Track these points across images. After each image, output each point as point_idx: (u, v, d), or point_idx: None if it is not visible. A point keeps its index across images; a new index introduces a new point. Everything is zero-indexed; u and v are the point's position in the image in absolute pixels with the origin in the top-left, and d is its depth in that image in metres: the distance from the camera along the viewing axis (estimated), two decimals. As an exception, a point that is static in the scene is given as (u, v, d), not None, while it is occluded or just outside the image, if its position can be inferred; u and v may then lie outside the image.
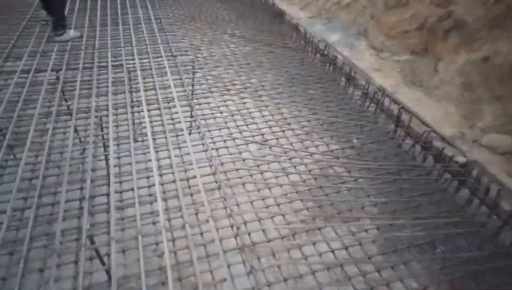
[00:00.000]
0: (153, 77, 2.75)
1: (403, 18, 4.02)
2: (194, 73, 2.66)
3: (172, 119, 2.50)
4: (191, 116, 2.51)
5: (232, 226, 1.80)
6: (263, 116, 2.83)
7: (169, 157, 2.04)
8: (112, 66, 2.63)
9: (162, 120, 2.31)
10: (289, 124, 2.78)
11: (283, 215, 2.00)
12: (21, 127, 2.27)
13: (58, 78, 2.51)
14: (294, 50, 4.02)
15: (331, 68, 3.64)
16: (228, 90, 3.06)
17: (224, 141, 2.50)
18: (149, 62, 2.95)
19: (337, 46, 4.36)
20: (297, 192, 2.16)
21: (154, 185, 1.82)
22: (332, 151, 2.53)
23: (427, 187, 2.22)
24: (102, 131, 2.08)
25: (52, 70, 2.67)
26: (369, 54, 4.16)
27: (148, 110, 2.36)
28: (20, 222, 1.74)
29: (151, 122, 2.35)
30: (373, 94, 2.99)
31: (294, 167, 2.35)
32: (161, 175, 2.07)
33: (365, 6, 4.58)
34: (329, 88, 3.29)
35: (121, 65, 2.71)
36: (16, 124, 2.24)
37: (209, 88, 3.08)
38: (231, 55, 3.77)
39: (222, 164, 2.28)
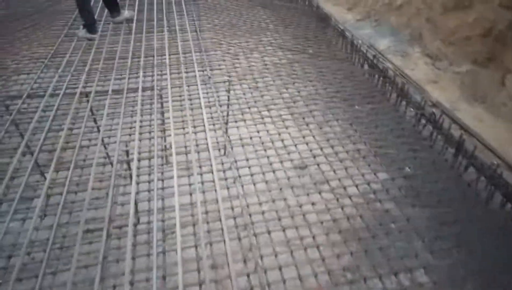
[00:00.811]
0: (183, 97, 2.60)
1: (464, 22, 3.60)
2: (229, 91, 2.49)
3: (202, 142, 2.35)
4: (225, 143, 2.35)
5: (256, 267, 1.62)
6: (303, 137, 2.62)
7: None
8: (143, 88, 2.51)
9: (193, 143, 2.17)
10: (332, 146, 2.54)
11: (322, 260, 1.78)
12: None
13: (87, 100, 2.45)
14: (339, 60, 3.74)
15: (380, 80, 3.33)
16: (266, 106, 2.87)
17: (260, 166, 2.32)
18: (181, 77, 2.82)
19: (388, 53, 4.02)
20: (339, 232, 1.93)
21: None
22: (380, 181, 2.26)
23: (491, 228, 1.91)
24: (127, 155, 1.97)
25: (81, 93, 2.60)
26: (424, 63, 3.79)
27: (177, 133, 2.23)
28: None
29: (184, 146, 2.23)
30: (429, 113, 2.67)
31: (337, 199, 2.12)
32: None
33: (420, 8, 4.19)
34: (378, 104, 3.00)
35: (152, 87, 2.58)
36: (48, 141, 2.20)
37: (246, 103, 2.91)
38: (271, 65, 3.58)
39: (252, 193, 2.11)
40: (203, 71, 2.94)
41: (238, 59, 3.58)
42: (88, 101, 2.24)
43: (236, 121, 2.66)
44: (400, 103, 2.99)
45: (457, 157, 2.37)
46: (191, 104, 2.56)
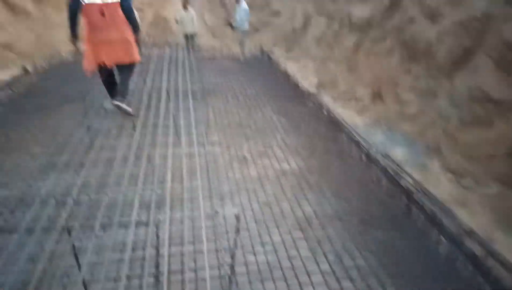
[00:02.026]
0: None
1: (485, 139, 3.45)
2: (239, 230, 2.17)
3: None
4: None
5: None
6: (321, 271, 2.23)
7: None
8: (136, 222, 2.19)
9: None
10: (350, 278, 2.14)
11: None
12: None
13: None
14: (352, 171, 3.50)
15: (403, 199, 3.03)
16: (277, 226, 2.54)
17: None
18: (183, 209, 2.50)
19: (405, 165, 3.80)
20: None
21: None
22: None
23: None
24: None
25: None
26: (447, 180, 3.55)
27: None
28: None
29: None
30: (469, 251, 2.32)
31: None
32: None
33: (435, 119, 4.10)
34: (402, 231, 2.66)
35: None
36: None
37: (255, 223, 2.58)
38: (281, 174, 3.32)
39: None
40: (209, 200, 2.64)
41: (247, 167, 3.34)
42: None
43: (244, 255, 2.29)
44: (430, 230, 2.65)
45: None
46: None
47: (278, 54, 9.99)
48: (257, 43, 9.95)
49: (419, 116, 4.36)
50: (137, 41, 4.01)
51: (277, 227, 2.60)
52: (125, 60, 3.87)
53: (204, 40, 10.73)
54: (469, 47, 3.63)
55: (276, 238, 2.48)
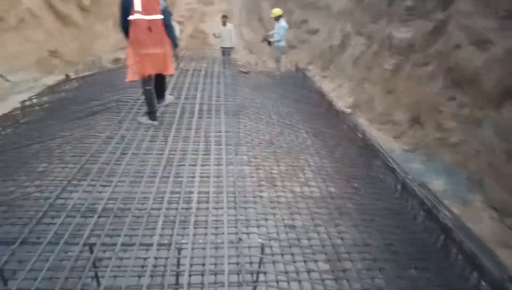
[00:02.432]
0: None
1: (537, 176, 3.19)
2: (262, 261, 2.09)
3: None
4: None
5: None
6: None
7: None
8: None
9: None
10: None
11: None
12: None
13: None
14: (386, 200, 3.32)
15: (440, 234, 2.83)
16: (305, 261, 2.42)
17: None
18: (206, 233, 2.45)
19: (444, 198, 3.58)
20: None
21: None
22: None
23: None
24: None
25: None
26: (489, 217, 3.31)
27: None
28: None
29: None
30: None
31: None
32: None
33: (479, 150, 3.86)
34: (439, 271, 2.46)
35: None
36: None
37: (281, 256, 2.48)
38: (310, 200, 3.20)
39: None
40: (235, 227, 2.56)
41: (275, 190, 3.25)
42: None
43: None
44: (470, 273, 2.44)
45: None
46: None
47: (313, 72, 9.94)
48: (292, 60, 9.95)
49: (461, 145, 4.12)
50: (175, 55, 4.29)
51: (304, 260, 2.47)
52: (164, 72, 4.18)
53: (241, 55, 10.86)
54: (521, 77, 3.41)
55: (302, 270, 2.36)
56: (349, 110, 6.71)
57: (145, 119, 4.18)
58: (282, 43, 7.75)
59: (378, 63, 6.86)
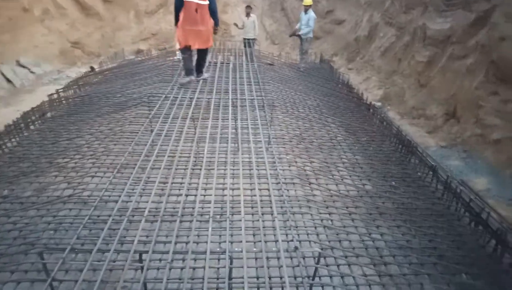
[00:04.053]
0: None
1: None
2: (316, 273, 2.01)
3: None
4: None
5: None
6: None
7: None
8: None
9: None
10: None
11: None
12: None
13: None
14: (425, 199, 3.18)
15: (486, 236, 2.69)
16: (349, 265, 2.33)
17: None
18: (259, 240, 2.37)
19: (488, 197, 3.44)
20: None
21: None
22: None
23: None
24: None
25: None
26: (540, 220, 3.13)
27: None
28: None
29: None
30: None
31: None
32: None
33: (527, 148, 3.67)
34: (489, 279, 2.34)
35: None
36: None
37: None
38: (348, 199, 3.10)
39: None
40: (286, 235, 2.45)
41: (311, 188, 3.16)
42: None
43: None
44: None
45: None
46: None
47: (338, 64, 9.71)
48: (317, 52, 9.75)
49: (505, 143, 3.93)
50: (215, 31, 5.43)
51: (348, 263, 2.39)
52: (205, 45, 5.20)
53: (263, 46, 10.72)
54: None
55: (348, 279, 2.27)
56: (379, 104, 6.53)
57: (183, 79, 5.18)
58: (311, 35, 7.58)
59: (409, 55, 6.63)
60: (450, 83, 5.21)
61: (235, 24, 9.37)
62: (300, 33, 7.50)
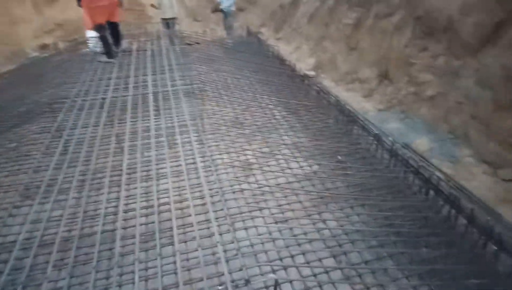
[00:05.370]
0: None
1: (527, 123, 3.09)
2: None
3: None
4: None
5: None
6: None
7: None
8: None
9: None
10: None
11: None
12: None
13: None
14: (375, 169, 3.09)
15: (434, 198, 2.64)
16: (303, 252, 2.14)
17: None
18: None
19: (431, 157, 3.45)
20: None
21: None
22: None
23: None
24: None
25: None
26: (483, 172, 3.20)
27: None
28: None
29: None
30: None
31: None
32: None
33: (461, 102, 3.72)
34: (450, 244, 2.29)
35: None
36: None
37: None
38: (296, 183, 2.92)
39: None
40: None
41: (254, 176, 2.92)
42: None
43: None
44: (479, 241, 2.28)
45: None
46: None
47: (267, 36, 9.44)
48: (243, 25, 9.37)
49: (439, 99, 3.97)
50: (120, 4, 5.58)
51: (300, 248, 2.21)
52: (113, 18, 5.39)
53: (185, 25, 10.10)
54: (502, 20, 3.21)
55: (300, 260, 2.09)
56: (312, 73, 6.41)
57: (104, 58, 5.36)
58: (233, 7, 7.19)
59: (336, 19, 6.53)
60: (379, 43, 5.19)
61: (152, 5, 8.65)
62: (222, 7, 7.08)
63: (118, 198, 2.56)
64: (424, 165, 2.91)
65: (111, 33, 5.48)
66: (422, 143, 3.71)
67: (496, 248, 2.14)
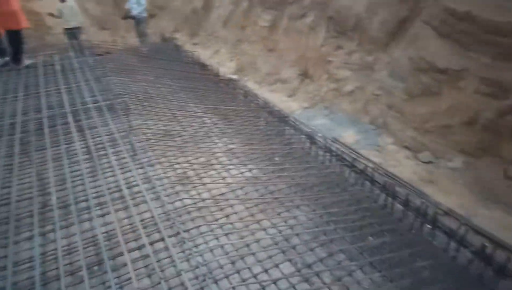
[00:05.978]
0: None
1: (437, 109, 3.44)
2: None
3: None
4: None
5: None
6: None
7: None
8: None
9: None
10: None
11: None
12: None
13: None
14: (312, 167, 3.20)
15: (383, 196, 2.80)
16: (255, 256, 2.11)
17: None
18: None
19: (360, 148, 3.66)
20: None
21: None
22: None
23: None
24: None
25: None
26: (405, 157, 3.48)
27: None
28: None
29: None
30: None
31: None
32: None
33: (377, 94, 4.01)
34: (393, 231, 2.45)
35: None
36: None
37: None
38: (238, 189, 2.88)
39: None
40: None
41: (195, 188, 2.82)
42: None
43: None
44: (414, 221, 2.47)
45: None
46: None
47: (183, 41, 9.24)
48: (156, 31, 9.05)
49: (358, 92, 4.24)
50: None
51: (255, 258, 2.19)
52: (14, 26, 5.07)
53: (93, 35, 9.43)
54: (405, 16, 3.53)
55: (258, 270, 2.07)
56: (235, 76, 6.42)
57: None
58: (145, 14, 6.89)
59: (252, 21, 6.64)
60: (296, 44, 5.38)
61: (51, 14, 7.92)
62: (133, 14, 6.75)
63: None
64: (355, 157, 3.07)
65: (10, 44, 5.20)
66: (348, 136, 3.92)
67: (430, 227, 2.35)
